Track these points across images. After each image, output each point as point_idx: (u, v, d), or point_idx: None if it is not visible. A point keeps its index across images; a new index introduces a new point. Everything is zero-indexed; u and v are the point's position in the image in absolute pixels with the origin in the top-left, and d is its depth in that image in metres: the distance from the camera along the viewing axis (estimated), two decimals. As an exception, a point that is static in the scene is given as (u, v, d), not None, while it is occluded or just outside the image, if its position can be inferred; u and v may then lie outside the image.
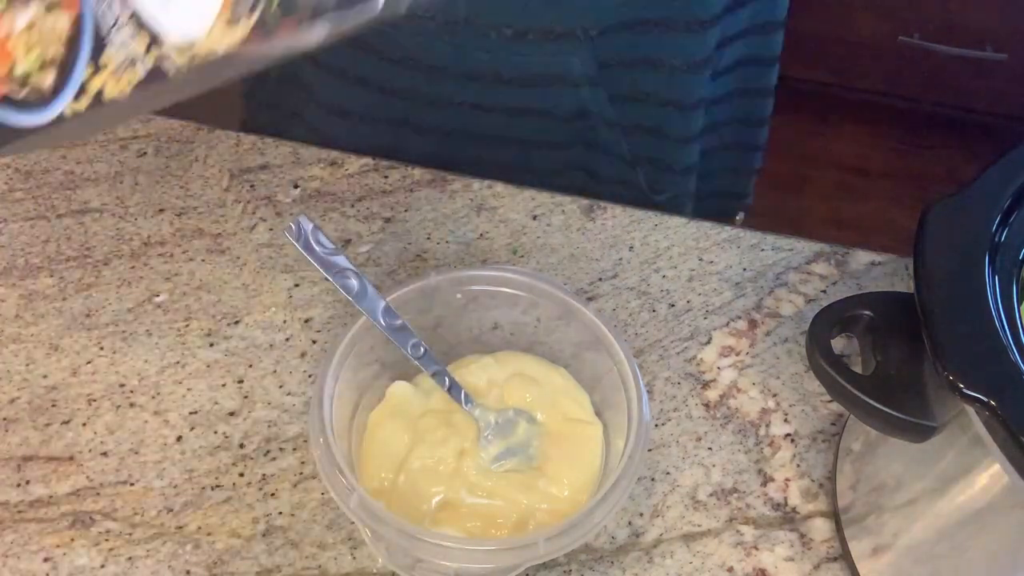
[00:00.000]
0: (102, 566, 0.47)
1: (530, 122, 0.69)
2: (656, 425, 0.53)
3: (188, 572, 0.47)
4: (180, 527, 0.49)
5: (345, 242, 0.61)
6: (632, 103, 0.69)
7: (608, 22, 0.63)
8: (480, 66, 0.65)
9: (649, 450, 0.52)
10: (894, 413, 0.39)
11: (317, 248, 0.46)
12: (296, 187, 0.64)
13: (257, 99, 0.78)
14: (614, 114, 0.69)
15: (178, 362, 0.55)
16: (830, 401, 0.54)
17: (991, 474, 0.38)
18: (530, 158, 0.72)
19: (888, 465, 0.46)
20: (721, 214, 0.82)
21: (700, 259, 0.61)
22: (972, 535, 0.41)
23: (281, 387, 0.54)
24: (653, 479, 0.51)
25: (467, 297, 0.51)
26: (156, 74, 0.32)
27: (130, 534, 0.49)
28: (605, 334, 0.48)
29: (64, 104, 0.30)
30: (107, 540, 0.48)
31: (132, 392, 0.54)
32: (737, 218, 0.87)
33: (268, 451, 0.52)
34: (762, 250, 0.62)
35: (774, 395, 0.55)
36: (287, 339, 0.56)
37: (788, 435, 0.53)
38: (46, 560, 0.48)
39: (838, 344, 0.48)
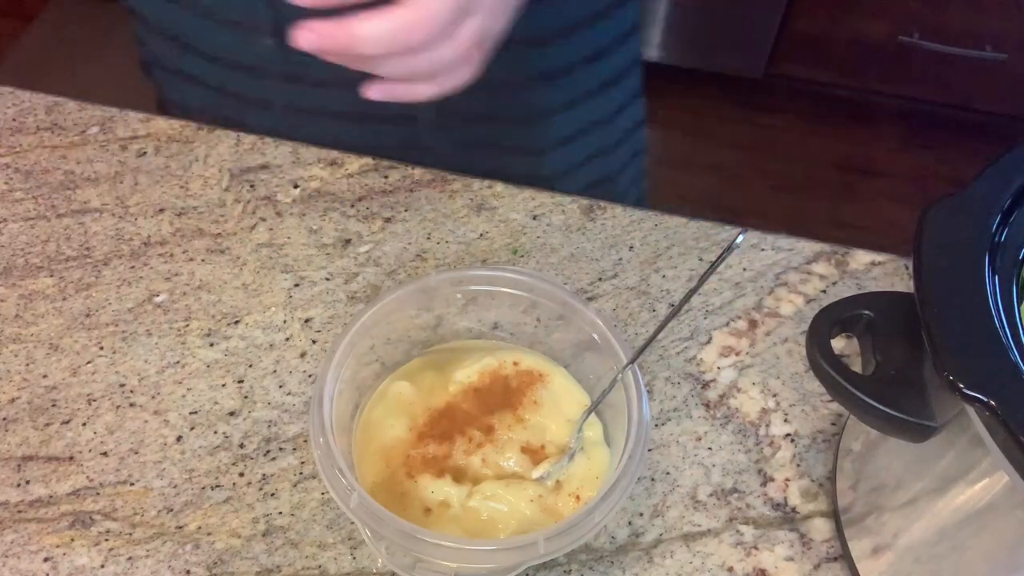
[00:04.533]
0: (102, 566, 0.47)
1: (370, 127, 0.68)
2: (656, 425, 0.53)
3: (188, 572, 0.47)
4: (180, 527, 0.49)
5: (345, 242, 0.61)
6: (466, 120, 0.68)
7: None
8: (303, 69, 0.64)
9: (649, 450, 0.52)
10: (894, 413, 0.39)
11: None
12: (296, 187, 0.64)
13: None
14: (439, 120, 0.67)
15: (178, 362, 0.55)
16: (830, 401, 0.54)
17: (991, 474, 0.38)
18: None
19: (888, 465, 0.46)
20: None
21: (700, 259, 0.61)
22: (972, 535, 0.41)
23: (281, 387, 0.54)
24: (653, 479, 0.51)
25: (467, 297, 0.51)
26: None
27: (130, 534, 0.49)
28: (605, 334, 0.48)
29: None
30: (107, 540, 0.48)
31: (132, 392, 0.54)
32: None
33: (268, 451, 0.52)
34: (762, 250, 0.62)
35: (774, 395, 0.55)
36: (287, 339, 0.56)
37: (788, 435, 0.53)
38: (46, 560, 0.48)
39: (838, 344, 0.48)
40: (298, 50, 0.42)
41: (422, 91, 0.46)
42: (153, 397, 0.54)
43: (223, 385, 0.54)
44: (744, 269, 0.61)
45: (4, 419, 0.53)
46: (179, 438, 0.52)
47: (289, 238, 0.61)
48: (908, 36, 1.74)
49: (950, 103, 1.87)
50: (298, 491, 0.50)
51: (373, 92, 0.46)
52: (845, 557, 0.48)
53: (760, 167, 1.90)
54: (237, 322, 0.57)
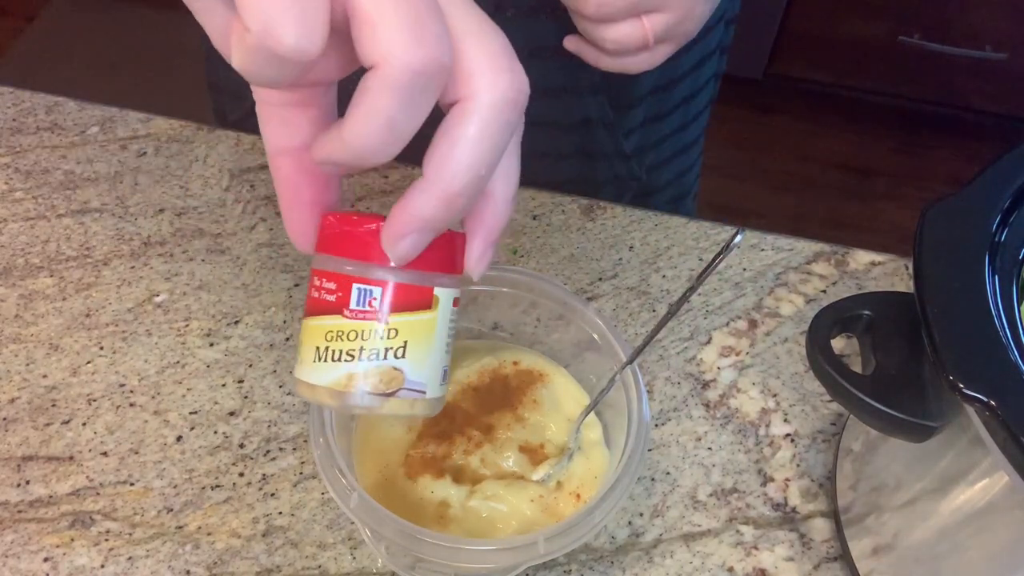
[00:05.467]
0: (102, 566, 0.47)
1: (538, 133, 0.70)
2: (656, 425, 0.53)
3: (188, 572, 0.47)
4: (180, 527, 0.49)
5: (345, 242, 0.61)
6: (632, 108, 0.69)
7: None
8: None
9: (649, 450, 0.52)
10: (894, 413, 0.39)
11: None
12: (296, 187, 0.64)
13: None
14: (614, 118, 0.69)
15: (178, 362, 0.55)
16: (830, 401, 0.54)
17: (991, 474, 0.38)
18: (531, 168, 0.72)
19: (888, 465, 0.46)
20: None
21: (700, 259, 0.61)
22: (972, 535, 0.41)
23: (281, 387, 0.54)
24: (653, 479, 0.51)
25: (467, 297, 0.51)
26: None
27: (130, 534, 0.49)
28: (605, 334, 0.48)
29: None
30: (107, 540, 0.48)
31: (132, 392, 0.54)
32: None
33: (268, 451, 0.52)
34: (762, 250, 0.62)
35: (774, 395, 0.55)
36: (287, 339, 0.56)
37: (788, 435, 0.53)
38: (46, 560, 0.48)
39: (838, 344, 0.48)
40: None
41: (606, 62, 0.53)
42: (153, 397, 0.54)
43: (223, 385, 0.54)
44: (744, 269, 0.61)
45: (4, 419, 0.53)
46: (179, 438, 0.52)
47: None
48: (908, 36, 1.74)
49: (950, 103, 1.87)
50: (298, 491, 0.50)
51: (569, 42, 0.54)
52: (845, 557, 0.48)
53: (760, 167, 1.90)
54: (237, 322, 0.57)
